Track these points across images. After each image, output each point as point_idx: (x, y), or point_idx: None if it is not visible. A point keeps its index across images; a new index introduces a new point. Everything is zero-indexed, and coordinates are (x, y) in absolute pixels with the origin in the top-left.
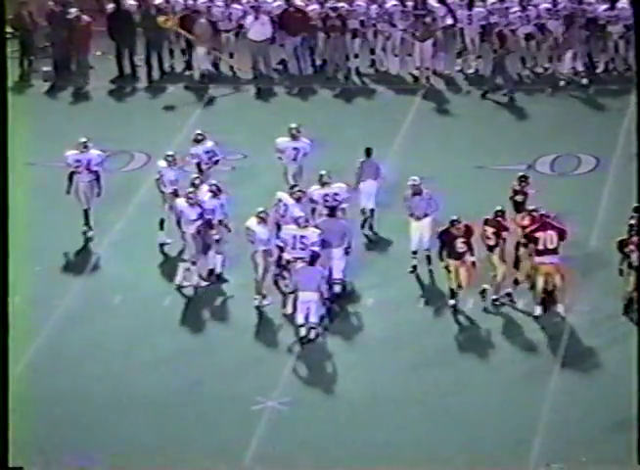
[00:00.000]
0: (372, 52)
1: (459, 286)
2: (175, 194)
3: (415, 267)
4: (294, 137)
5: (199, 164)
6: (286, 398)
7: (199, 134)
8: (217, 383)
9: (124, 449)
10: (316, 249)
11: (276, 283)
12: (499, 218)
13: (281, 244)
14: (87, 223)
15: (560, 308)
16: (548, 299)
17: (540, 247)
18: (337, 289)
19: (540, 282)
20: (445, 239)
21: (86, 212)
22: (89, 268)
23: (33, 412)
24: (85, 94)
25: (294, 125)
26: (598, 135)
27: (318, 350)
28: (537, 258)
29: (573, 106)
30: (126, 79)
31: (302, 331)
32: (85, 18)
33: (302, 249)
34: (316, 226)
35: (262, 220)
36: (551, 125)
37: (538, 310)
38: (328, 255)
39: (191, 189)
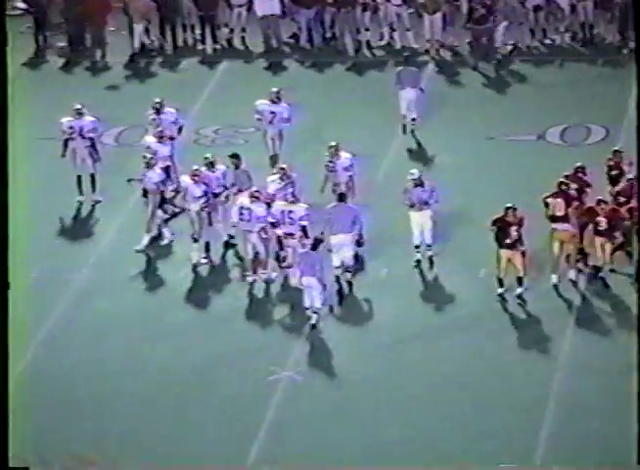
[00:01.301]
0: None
1: (518, 277)
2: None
3: (419, 262)
4: (273, 101)
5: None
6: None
7: (157, 103)
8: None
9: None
10: (305, 223)
11: (277, 259)
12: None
13: (274, 220)
14: (81, 190)
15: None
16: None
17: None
18: (348, 276)
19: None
20: (500, 226)
21: (79, 179)
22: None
23: (36, 405)
24: (100, 68)
25: (274, 90)
26: (607, 105)
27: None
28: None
29: (582, 77)
30: (141, 54)
31: (309, 313)
32: None
33: (291, 224)
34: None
35: (256, 198)
36: (560, 96)
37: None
38: (340, 241)
39: (203, 168)
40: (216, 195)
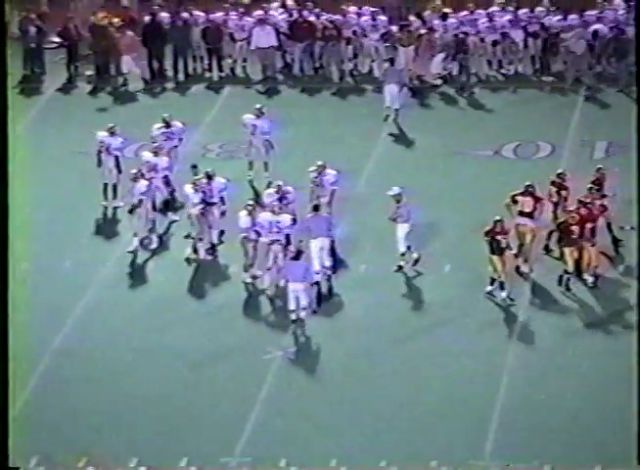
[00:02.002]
0: (355, 56)
1: (499, 276)
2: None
3: (400, 267)
4: (257, 116)
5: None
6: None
7: (166, 117)
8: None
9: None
10: (288, 232)
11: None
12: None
13: (259, 229)
14: (106, 197)
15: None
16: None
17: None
18: (328, 273)
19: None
20: (492, 236)
21: (105, 187)
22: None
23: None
24: (122, 93)
25: (258, 106)
26: (553, 125)
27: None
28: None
29: (533, 101)
30: (156, 80)
31: (293, 316)
32: (129, 33)
33: (278, 232)
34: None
35: (249, 213)
36: (514, 117)
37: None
38: (320, 244)
39: (204, 180)
40: (211, 204)
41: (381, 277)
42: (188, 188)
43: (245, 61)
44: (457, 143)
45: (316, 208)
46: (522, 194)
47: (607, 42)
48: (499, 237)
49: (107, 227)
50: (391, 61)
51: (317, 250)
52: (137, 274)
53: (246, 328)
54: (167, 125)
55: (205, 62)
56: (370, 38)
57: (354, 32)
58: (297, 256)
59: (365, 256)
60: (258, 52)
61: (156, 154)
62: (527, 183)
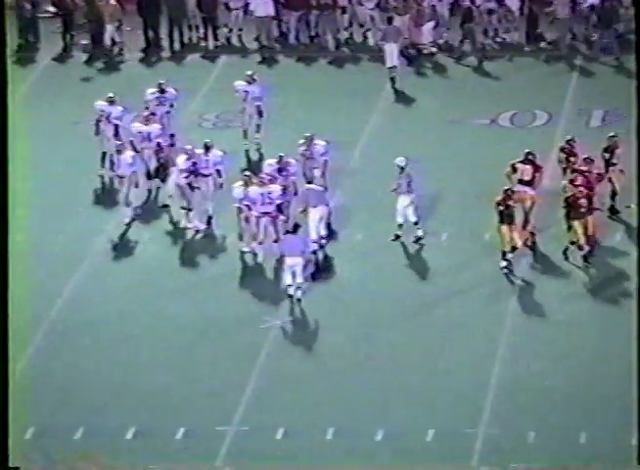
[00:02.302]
0: (351, 25)
1: (513, 248)
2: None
3: (397, 236)
4: (248, 82)
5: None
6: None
7: (161, 83)
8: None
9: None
10: (280, 201)
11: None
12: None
13: (249, 203)
14: (103, 165)
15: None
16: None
17: None
18: (324, 242)
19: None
20: (503, 205)
21: (104, 155)
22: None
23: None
24: (117, 62)
25: (249, 73)
26: (550, 94)
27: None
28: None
29: (529, 69)
30: (152, 50)
31: (290, 290)
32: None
33: (270, 203)
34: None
35: (244, 183)
36: (510, 86)
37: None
38: (319, 213)
39: (200, 150)
40: (205, 175)
41: (377, 247)
42: (180, 157)
43: (240, 30)
44: (453, 112)
45: (310, 182)
46: (521, 162)
47: (590, 9)
48: (511, 203)
49: (105, 197)
50: (389, 20)
51: (316, 219)
52: (132, 245)
53: (242, 298)
54: (162, 91)
55: (201, 31)
56: (365, 7)
57: (350, 1)
58: (295, 229)
59: (361, 225)
60: (255, 21)
61: (147, 122)
62: (527, 151)
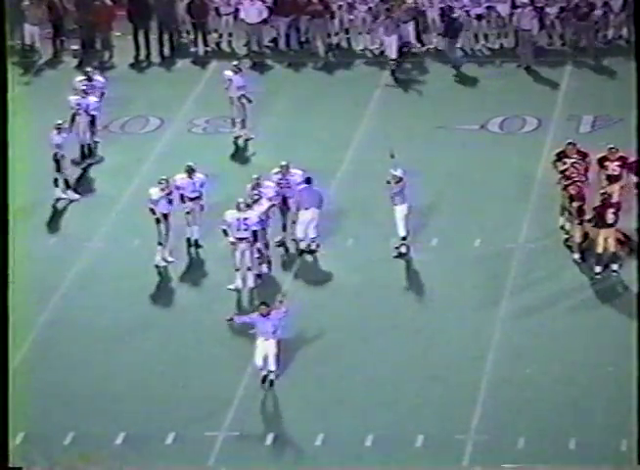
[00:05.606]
0: (346, 31)
1: (605, 249)
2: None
3: (400, 254)
4: (234, 72)
5: None
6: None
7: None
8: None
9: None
10: (255, 228)
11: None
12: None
13: (225, 227)
14: (83, 157)
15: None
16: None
17: None
18: (313, 246)
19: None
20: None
21: (82, 147)
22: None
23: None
24: (107, 68)
25: (235, 63)
26: (540, 100)
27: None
28: None
29: (519, 75)
30: (143, 55)
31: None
32: (108, 2)
33: (245, 229)
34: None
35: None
36: (500, 92)
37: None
38: (310, 215)
39: (184, 174)
40: (192, 199)
41: (368, 253)
42: (154, 190)
43: (230, 35)
44: (443, 117)
45: (308, 180)
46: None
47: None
48: (609, 209)
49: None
50: (388, 10)
51: (306, 220)
52: (124, 251)
53: (232, 302)
54: (89, 79)
55: (191, 36)
56: (359, 10)
57: (340, 6)
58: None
59: (352, 230)
60: (246, 27)
61: (85, 94)
62: (569, 141)
